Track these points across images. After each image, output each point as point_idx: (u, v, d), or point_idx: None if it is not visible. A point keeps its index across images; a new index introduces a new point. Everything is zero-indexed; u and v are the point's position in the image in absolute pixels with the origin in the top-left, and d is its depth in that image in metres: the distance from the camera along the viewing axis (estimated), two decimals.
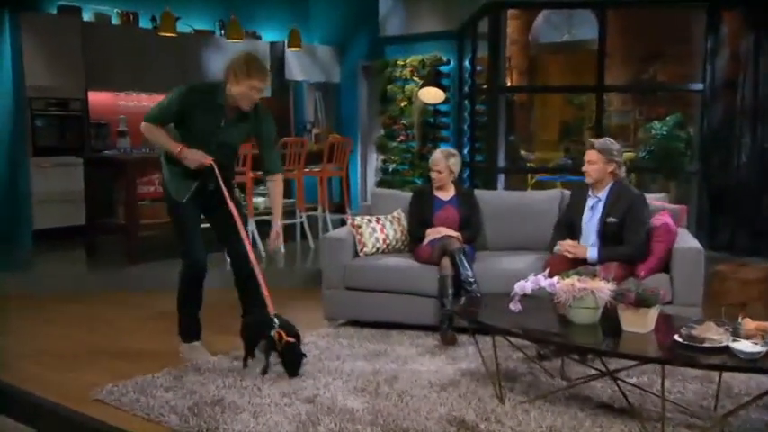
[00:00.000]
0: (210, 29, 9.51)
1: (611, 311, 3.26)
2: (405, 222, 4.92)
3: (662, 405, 2.99)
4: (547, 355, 3.88)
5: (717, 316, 3.25)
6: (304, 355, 3.72)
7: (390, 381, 3.64)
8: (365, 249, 4.76)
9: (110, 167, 7.12)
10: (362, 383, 3.60)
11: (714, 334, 2.94)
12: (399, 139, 9.53)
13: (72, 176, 7.63)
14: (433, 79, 8.91)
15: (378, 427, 3.08)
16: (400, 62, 9.45)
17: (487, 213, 4.94)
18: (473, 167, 8.33)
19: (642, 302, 3.14)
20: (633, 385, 3.43)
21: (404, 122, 9.47)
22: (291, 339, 3.63)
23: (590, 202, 4.31)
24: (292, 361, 3.65)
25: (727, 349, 2.88)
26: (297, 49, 9.68)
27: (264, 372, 3.67)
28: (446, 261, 4.36)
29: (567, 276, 3.38)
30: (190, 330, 4.04)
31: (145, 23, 8.85)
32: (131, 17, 8.71)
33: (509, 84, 8.87)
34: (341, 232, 4.90)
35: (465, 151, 8.47)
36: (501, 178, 7.77)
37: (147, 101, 8.65)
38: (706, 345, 2.91)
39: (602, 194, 4.25)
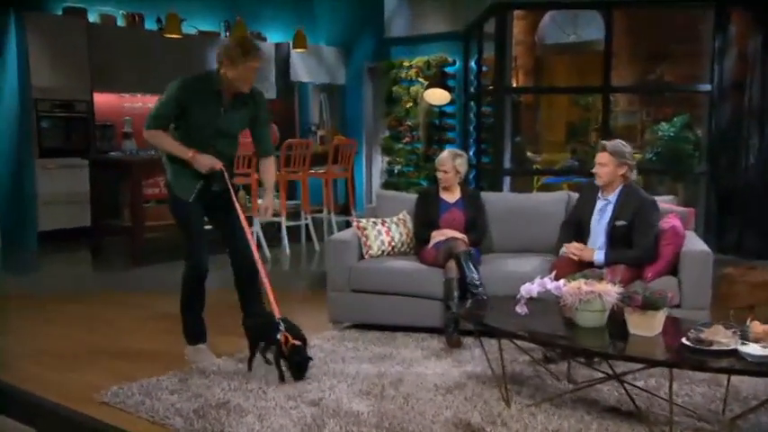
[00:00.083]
0: (216, 30, 9.52)
1: (617, 314, 3.23)
2: (410, 224, 4.90)
3: (670, 409, 2.96)
4: (553, 358, 3.85)
5: (725, 319, 3.22)
6: (310, 358, 3.70)
7: (396, 384, 3.62)
8: (370, 252, 4.75)
9: (115, 169, 7.14)
10: (368, 386, 3.58)
11: (722, 337, 2.91)
12: (405, 141, 9.52)
13: (77, 178, 7.65)
14: (439, 80, 8.90)
15: (383, 430, 3.06)
16: (406, 63, 9.44)
17: (493, 215, 4.91)
18: (479, 169, 8.31)
19: (649, 305, 3.12)
20: (640, 389, 3.40)
21: (409, 124, 9.46)
22: (297, 342, 3.61)
23: (599, 204, 4.27)
24: (299, 364, 3.63)
25: (735, 352, 2.85)
26: (302, 50, 9.69)
27: (282, 379, 3.64)
28: (452, 263, 4.34)
29: (574, 279, 3.35)
30: (194, 332, 4.03)
31: (150, 25, 8.87)
32: (137, 18, 8.73)
33: (515, 84, 8.86)
34: (346, 234, 4.88)
35: (471, 153, 8.45)
36: (507, 180, 7.74)
37: (153, 102, 8.63)
38: (714, 348, 2.88)
39: (612, 197, 4.21)
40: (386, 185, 9.64)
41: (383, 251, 4.78)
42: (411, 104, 9.40)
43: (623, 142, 4.28)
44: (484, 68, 8.37)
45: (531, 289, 3.39)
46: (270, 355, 3.75)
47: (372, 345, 4.31)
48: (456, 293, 4.27)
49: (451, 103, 9.00)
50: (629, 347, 3.12)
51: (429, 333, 4.46)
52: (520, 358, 3.89)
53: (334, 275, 4.66)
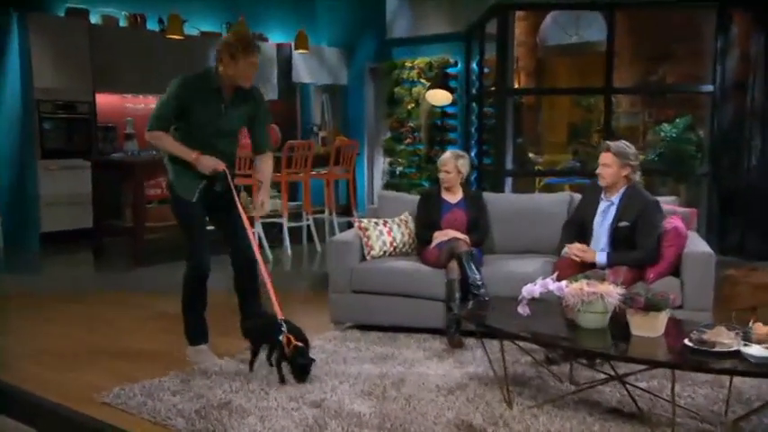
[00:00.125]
0: (217, 31, 9.52)
1: (620, 316, 3.23)
2: (412, 225, 4.89)
3: (672, 410, 2.96)
4: (555, 359, 3.85)
5: (727, 320, 3.21)
6: (313, 360, 3.69)
7: (397, 384, 3.62)
8: (372, 252, 4.74)
9: (117, 170, 7.14)
10: (369, 387, 3.58)
11: (725, 338, 2.91)
12: (406, 142, 9.51)
13: (79, 179, 7.66)
14: (441, 81, 8.89)
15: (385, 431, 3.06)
16: (407, 64, 9.44)
17: (495, 216, 4.91)
18: (481, 170, 8.30)
19: (652, 307, 3.11)
20: (642, 390, 3.40)
21: (411, 125, 9.46)
22: (300, 344, 3.60)
23: (602, 205, 4.26)
24: (302, 367, 3.62)
25: (737, 354, 2.85)
26: (304, 51, 9.69)
27: (282, 381, 3.64)
28: (454, 264, 4.34)
29: (576, 280, 3.35)
30: (196, 333, 4.02)
31: (152, 26, 8.87)
32: (139, 19, 8.74)
33: (517, 86, 8.85)
34: (348, 235, 4.88)
35: (473, 154, 8.44)
36: (509, 181, 7.74)
37: (155, 103, 8.66)
38: (716, 349, 2.87)
39: (616, 198, 4.21)
40: (387, 186, 9.63)
41: (385, 252, 4.78)
42: (413, 105, 9.39)
43: (627, 143, 4.27)
44: (486, 69, 8.37)
45: (533, 290, 3.38)
46: (273, 357, 3.74)
47: (374, 345, 4.31)
48: (458, 294, 4.27)
49: (453, 104, 8.99)
50: (631, 349, 3.11)
51: (431, 334, 4.45)
52: (522, 359, 3.89)
53: (336, 276, 4.66)
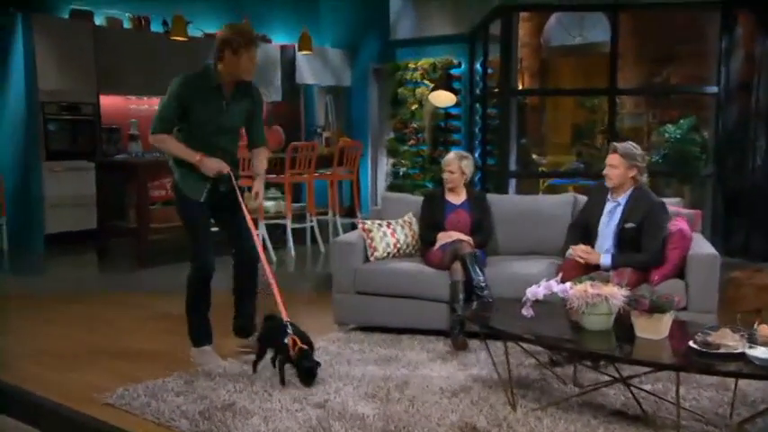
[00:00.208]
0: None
1: (624, 318, 3.22)
2: (416, 226, 4.89)
3: (677, 413, 2.94)
4: (559, 361, 3.84)
5: (732, 322, 3.20)
6: (319, 363, 3.68)
7: (401, 386, 3.61)
8: (376, 254, 4.74)
9: (121, 171, 7.15)
10: (373, 389, 3.58)
11: (730, 340, 2.90)
12: (410, 143, 9.52)
13: (84, 180, 7.67)
14: (445, 82, 8.90)
15: None
16: (411, 65, 9.44)
17: (499, 217, 4.90)
18: (485, 171, 8.30)
19: (656, 309, 3.10)
20: (647, 392, 3.39)
21: (415, 126, 9.46)
22: (305, 347, 3.60)
23: (608, 206, 4.25)
24: (308, 370, 3.60)
25: (742, 356, 2.84)
26: (307, 52, 9.69)
27: (283, 383, 3.63)
28: (457, 266, 4.33)
29: (580, 282, 3.34)
30: (200, 334, 4.02)
31: (156, 27, 8.89)
32: (143, 21, 8.75)
33: (520, 87, 8.84)
34: (351, 236, 4.88)
35: (476, 155, 8.44)
36: (512, 182, 7.73)
37: (158, 105, 8.69)
38: (721, 351, 2.87)
39: (622, 199, 4.19)
40: (391, 187, 9.63)
41: (388, 253, 4.78)
42: (416, 106, 9.40)
43: (634, 144, 4.26)
44: (489, 70, 8.36)
45: (537, 291, 3.37)
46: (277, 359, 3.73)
47: (378, 347, 4.31)
48: (461, 296, 4.26)
49: (457, 105, 8.99)
50: (635, 351, 3.10)
51: (434, 335, 4.45)
52: (526, 361, 3.88)
53: (340, 277, 4.66)
